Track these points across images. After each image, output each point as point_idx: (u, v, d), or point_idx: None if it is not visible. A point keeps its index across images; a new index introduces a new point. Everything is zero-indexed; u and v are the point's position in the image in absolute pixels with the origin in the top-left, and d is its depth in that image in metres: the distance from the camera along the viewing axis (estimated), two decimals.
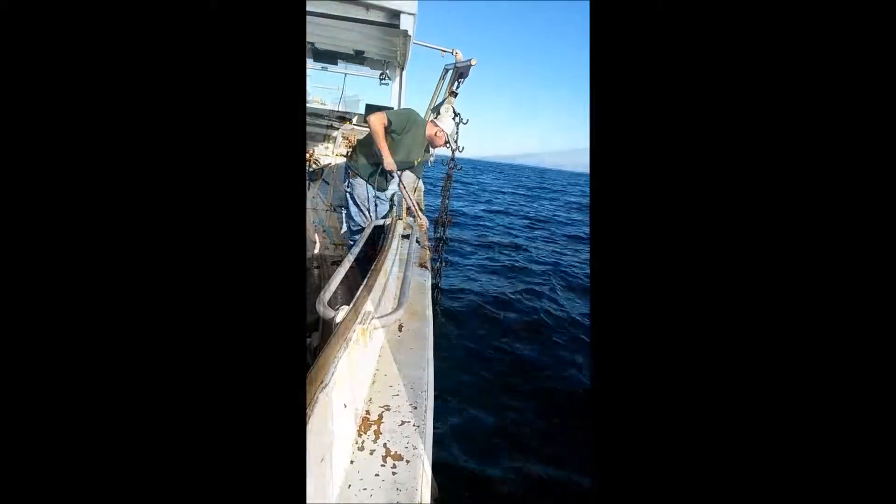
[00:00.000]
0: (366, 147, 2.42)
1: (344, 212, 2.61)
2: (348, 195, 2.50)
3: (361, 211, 2.49)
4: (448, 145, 2.65)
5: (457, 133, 2.93)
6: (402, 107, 3.37)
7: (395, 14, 1.99)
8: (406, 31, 2.05)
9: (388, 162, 2.33)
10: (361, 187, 2.45)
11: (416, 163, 2.56)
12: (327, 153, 3.31)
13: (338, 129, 3.28)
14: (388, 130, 2.32)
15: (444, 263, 3.50)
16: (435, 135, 2.51)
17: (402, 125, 2.35)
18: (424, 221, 2.55)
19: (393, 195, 2.72)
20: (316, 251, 3.41)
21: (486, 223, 10.01)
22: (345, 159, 3.28)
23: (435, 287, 3.25)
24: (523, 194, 20.91)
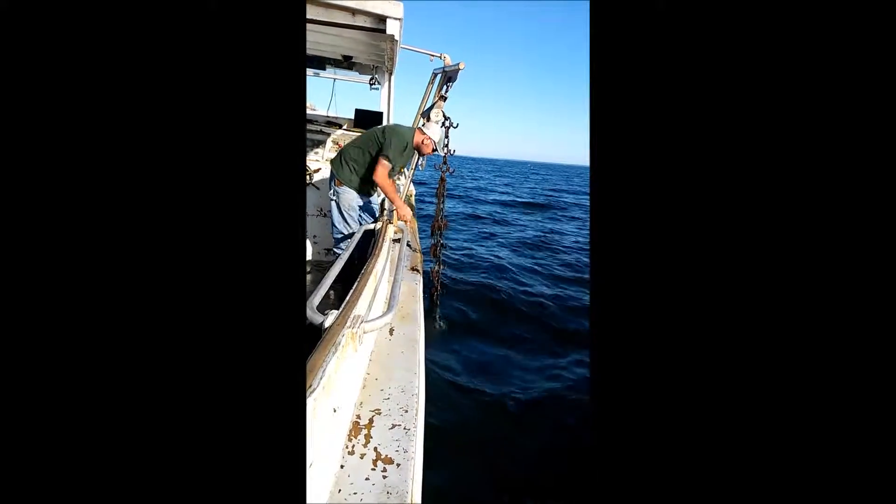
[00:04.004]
0: (353, 159, 2.40)
1: (329, 219, 2.60)
2: (333, 203, 2.47)
3: (345, 219, 2.47)
4: (435, 152, 2.65)
5: (447, 137, 2.93)
6: (390, 112, 3.37)
7: (382, 19, 2.00)
8: (392, 35, 2.06)
9: (404, 214, 2.37)
10: (347, 194, 2.43)
11: (401, 170, 2.57)
12: (317, 158, 3.30)
13: (328, 134, 3.27)
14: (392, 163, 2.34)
15: (441, 265, 3.49)
16: (422, 143, 2.51)
17: (400, 152, 2.37)
18: (407, 212, 2.55)
19: (383, 199, 2.72)
20: (307, 256, 3.39)
21: None
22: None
23: (434, 291, 3.24)
24: None
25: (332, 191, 2.46)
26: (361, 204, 2.51)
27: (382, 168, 2.29)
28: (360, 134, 2.98)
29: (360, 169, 2.41)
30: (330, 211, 2.52)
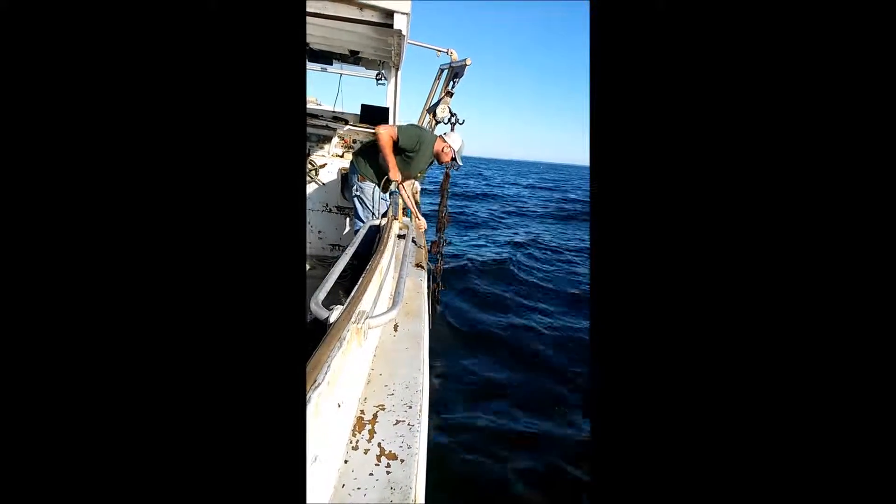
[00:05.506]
0: (374, 153, 2.43)
1: (353, 213, 2.61)
2: (356, 198, 2.50)
3: (372, 212, 2.49)
4: (454, 162, 2.61)
5: (452, 131, 2.92)
6: (397, 107, 3.36)
7: (389, 14, 1.99)
8: (400, 30, 2.05)
9: (394, 174, 2.35)
10: (370, 189, 2.47)
11: (419, 176, 2.59)
12: (323, 154, 3.30)
13: (334, 129, 3.27)
14: (396, 145, 2.34)
15: (443, 260, 3.49)
16: (442, 150, 2.51)
17: (411, 145, 2.37)
18: (423, 223, 2.55)
19: (391, 193, 2.72)
20: (313, 252, 3.40)
21: None
22: (340, 159, 3.28)
23: (435, 288, 3.25)
24: None
25: (355, 186, 2.48)
26: (382, 196, 2.54)
27: (387, 129, 2.31)
28: (370, 130, 2.99)
29: (378, 164, 2.43)
30: (353, 206, 2.54)
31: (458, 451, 2.24)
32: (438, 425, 2.41)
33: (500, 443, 2.38)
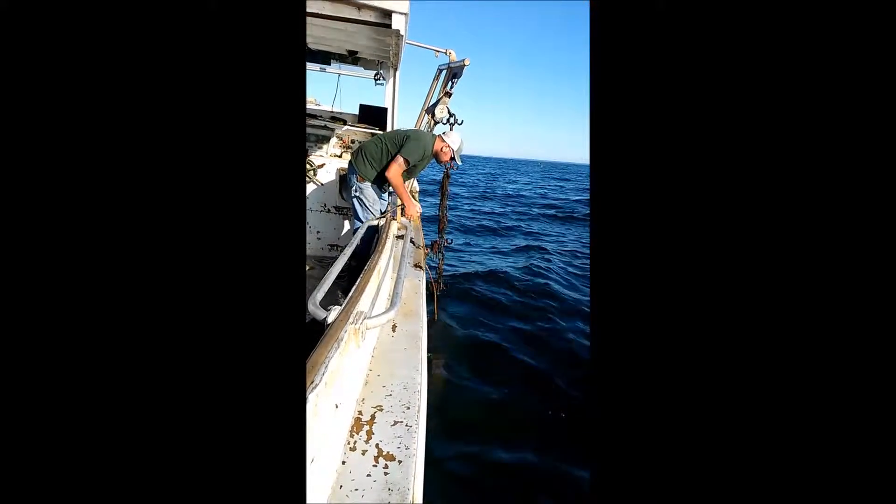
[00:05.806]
0: (372, 156, 2.45)
1: (351, 214, 2.61)
2: (355, 199, 2.51)
3: (372, 213, 2.50)
4: (453, 161, 2.63)
5: (451, 131, 2.92)
6: (395, 108, 3.36)
7: (387, 14, 1.99)
8: (398, 30, 2.05)
9: (410, 210, 2.41)
10: (369, 189, 2.48)
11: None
12: (321, 154, 3.30)
13: (332, 129, 3.27)
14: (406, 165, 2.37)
15: (443, 261, 3.49)
16: (441, 150, 2.54)
17: (419, 157, 2.42)
18: (418, 207, 2.56)
19: (390, 193, 2.73)
20: (307, 252, 3.40)
21: None
22: (338, 160, 3.28)
23: (436, 287, 3.23)
24: None
25: (354, 187, 2.49)
26: (381, 196, 2.54)
27: (397, 166, 2.35)
28: (369, 130, 2.99)
29: (377, 165, 2.46)
30: (353, 207, 2.54)
31: (445, 483, 2.10)
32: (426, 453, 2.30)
33: (491, 474, 2.21)
